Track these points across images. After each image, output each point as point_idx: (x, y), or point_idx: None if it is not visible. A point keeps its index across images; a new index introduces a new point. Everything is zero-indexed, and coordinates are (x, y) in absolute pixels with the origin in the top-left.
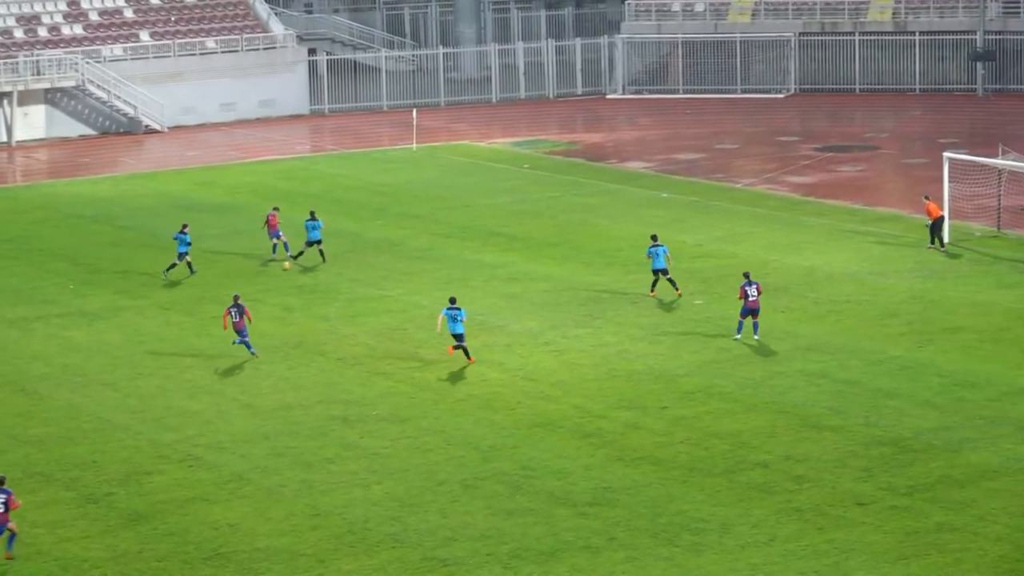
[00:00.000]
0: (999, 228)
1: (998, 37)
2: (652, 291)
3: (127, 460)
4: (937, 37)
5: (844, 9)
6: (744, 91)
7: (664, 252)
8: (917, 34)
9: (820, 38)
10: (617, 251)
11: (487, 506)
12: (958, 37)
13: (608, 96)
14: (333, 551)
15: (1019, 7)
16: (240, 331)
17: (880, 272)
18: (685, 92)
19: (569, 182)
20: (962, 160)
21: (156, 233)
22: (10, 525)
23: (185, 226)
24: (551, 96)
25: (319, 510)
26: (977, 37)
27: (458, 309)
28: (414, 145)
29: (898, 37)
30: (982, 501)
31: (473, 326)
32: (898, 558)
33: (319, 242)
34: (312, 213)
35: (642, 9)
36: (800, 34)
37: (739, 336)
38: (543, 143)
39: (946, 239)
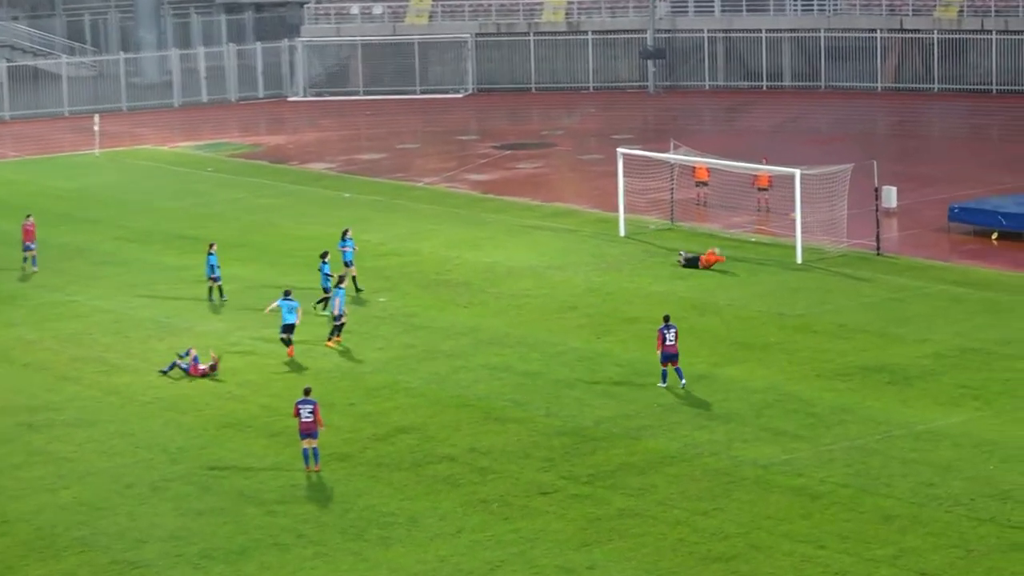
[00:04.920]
0: (672, 221)
1: (667, 35)
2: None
3: None
4: (609, 36)
5: (519, 10)
6: (423, 92)
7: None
8: (590, 33)
9: (496, 39)
10: (300, 251)
11: (176, 507)
12: (629, 36)
13: (289, 99)
14: (21, 557)
15: (687, 6)
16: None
17: (558, 266)
18: (365, 94)
19: (252, 184)
20: (635, 155)
21: None
22: None
23: None
24: (233, 99)
25: (7, 517)
26: (647, 36)
27: (294, 301)
28: (97, 150)
29: (571, 37)
30: (661, 486)
31: (159, 329)
32: (581, 544)
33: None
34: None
35: (321, 13)
36: (476, 35)
37: (665, 384)
38: (226, 146)
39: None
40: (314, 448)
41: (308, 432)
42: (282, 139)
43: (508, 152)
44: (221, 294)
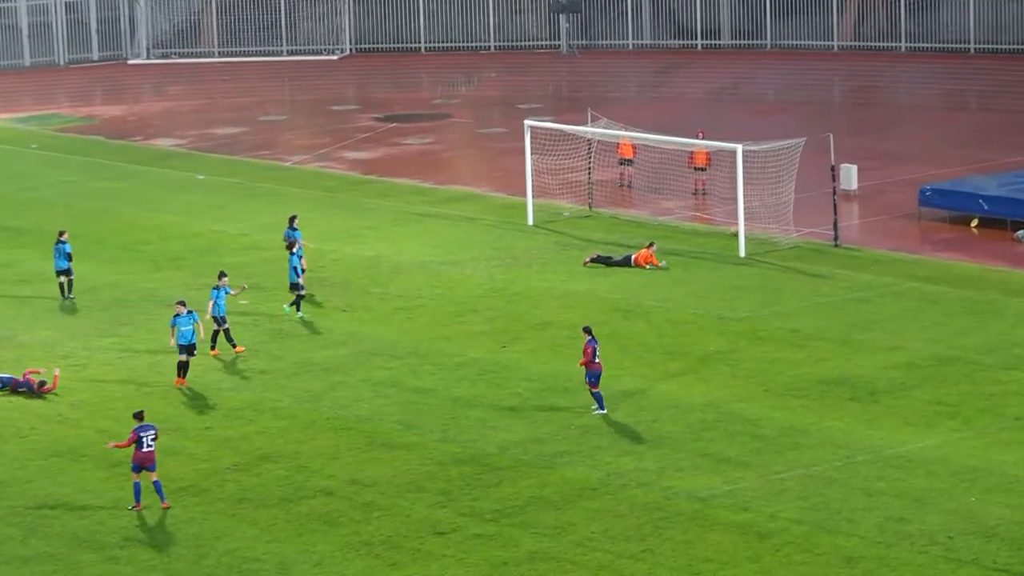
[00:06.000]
0: (591, 207)
1: None
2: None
3: None
4: None
5: None
6: (291, 52)
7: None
8: None
9: None
10: (145, 244)
11: None
12: None
13: (130, 62)
14: None
15: None
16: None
17: (455, 261)
18: (222, 55)
19: (87, 164)
20: (546, 129)
21: None
22: None
23: None
24: (62, 63)
25: None
26: None
27: (193, 314)
28: None
29: None
30: (580, 524)
31: None
32: None
33: (298, 269)
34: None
35: None
36: None
37: (604, 410)
38: (54, 119)
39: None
40: (156, 481)
41: (148, 463)
42: (122, 110)
43: (393, 125)
44: (69, 290)
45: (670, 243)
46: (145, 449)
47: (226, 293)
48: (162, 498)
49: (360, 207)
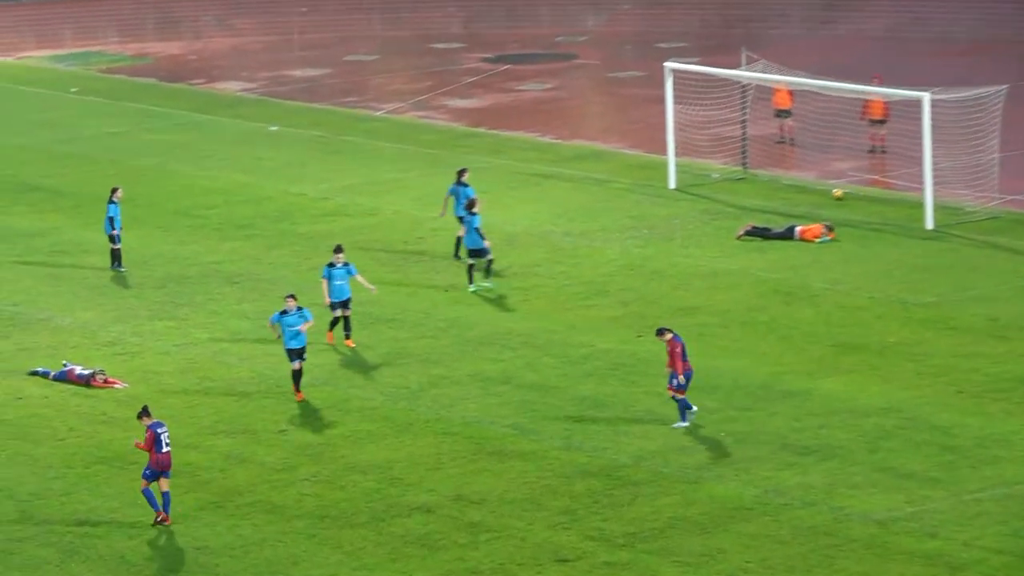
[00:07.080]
0: (745, 167)
1: None
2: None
3: None
4: None
5: None
6: None
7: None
8: None
9: None
10: (207, 209)
11: None
12: None
13: None
14: None
15: None
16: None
17: (583, 232)
18: None
19: (137, 112)
20: (691, 72)
21: None
22: None
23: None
24: None
25: None
26: None
27: (301, 313)
28: None
29: None
30: (732, 552)
31: (4, 322)
32: None
33: (480, 231)
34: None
35: None
36: None
37: (694, 411)
38: (98, 57)
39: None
40: (166, 492)
41: (166, 468)
42: (180, 47)
43: (507, 67)
44: (118, 262)
45: (842, 212)
46: (164, 450)
47: (351, 275)
48: (166, 511)
49: (466, 166)
